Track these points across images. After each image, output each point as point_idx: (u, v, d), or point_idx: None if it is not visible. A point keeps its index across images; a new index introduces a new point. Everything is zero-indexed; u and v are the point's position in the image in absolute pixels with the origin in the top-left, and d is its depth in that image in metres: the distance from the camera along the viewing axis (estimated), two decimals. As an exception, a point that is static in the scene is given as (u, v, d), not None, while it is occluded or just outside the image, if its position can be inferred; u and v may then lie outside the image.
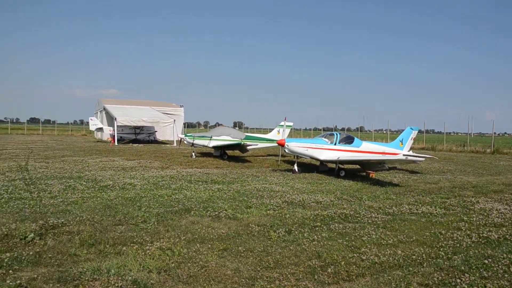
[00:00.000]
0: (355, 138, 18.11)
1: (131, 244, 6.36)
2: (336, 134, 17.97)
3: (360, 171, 17.90)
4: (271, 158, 24.17)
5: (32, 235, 6.62)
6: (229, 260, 5.84)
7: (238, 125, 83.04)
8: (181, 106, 49.46)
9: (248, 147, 23.13)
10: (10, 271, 5.17)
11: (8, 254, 5.73)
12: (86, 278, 5.01)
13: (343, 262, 5.86)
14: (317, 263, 5.83)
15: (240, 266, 5.61)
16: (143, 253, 5.97)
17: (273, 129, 28.21)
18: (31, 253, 5.85)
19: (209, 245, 6.46)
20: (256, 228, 7.57)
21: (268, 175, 15.79)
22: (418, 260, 6.02)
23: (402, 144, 19.26)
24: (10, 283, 4.78)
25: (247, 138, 24.27)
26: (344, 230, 7.67)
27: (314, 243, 6.80)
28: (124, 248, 6.19)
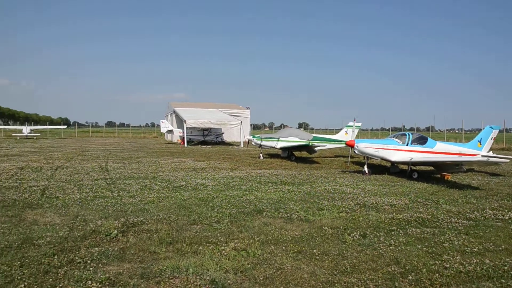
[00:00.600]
0: (429, 138, 17.27)
1: (207, 244, 6.49)
2: (408, 134, 17.24)
3: (434, 173, 17.00)
4: (339, 159, 23.73)
5: (115, 232, 7.01)
6: (305, 263, 5.77)
7: (303, 126, 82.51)
8: (247, 108, 50.18)
9: (316, 148, 22.87)
10: (100, 264, 5.51)
11: (96, 249, 6.13)
12: (167, 276, 5.19)
13: (424, 270, 5.55)
14: (396, 269, 5.57)
15: (316, 270, 5.51)
16: (218, 253, 6.07)
17: (339, 129, 27.67)
18: (116, 249, 6.19)
19: (283, 247, 6.43)
20: (330, 231, 7.42)
21: (338, 177, 15.50)
22: (511, 272, 5.53)
23: (480, 144, 17.99)
24: (101, 276, 5.09)
25: (315, 139, 23.99)
26: (422, 235, 7.29)
27: (391, 248, 6.53)
28: (200, 247, 6.33)
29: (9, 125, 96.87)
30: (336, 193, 11.54)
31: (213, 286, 4.93)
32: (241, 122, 39.09)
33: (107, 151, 28.73)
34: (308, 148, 22.44)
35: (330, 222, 8.11)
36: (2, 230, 7.07)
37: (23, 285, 4.77)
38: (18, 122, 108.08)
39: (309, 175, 15.90)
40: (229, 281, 5.07)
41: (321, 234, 7.23)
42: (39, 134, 55.92)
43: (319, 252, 6.22)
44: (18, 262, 5.50)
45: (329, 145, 24.61)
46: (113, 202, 9.76)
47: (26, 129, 51.55)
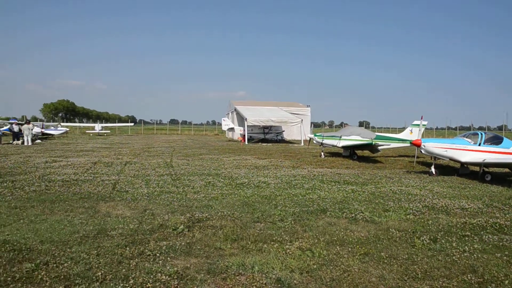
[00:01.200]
0: (504, 138, 16.04)
1: (271, 242, 6.47)
2: (481, 134, 16.14)
3: (510, 176, 15.82)
4: (403, 159, 22.80)
5: (182, 227, 7.21)
6: (372, 266, 5.57)
7: (364, 125, 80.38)
8: (307, 106, 49.76)
9: (380, 147, 22.16)
10: (168, 258, 5.69)
11: (164, 243, 6.33)
12: (232, 272, 5.23)
13: (506, 281, 5.12)
14: (473, 278, 5.20)
15: (385, 274, 5.30)
16: (283, 252, 6.03)
17: (402, 128, 26.64)
18: (183, 243, 6.35)
19: (349, 249, 6.26)
20: (397, 234, 7.13)
21: (403, 177, 14.90)
22: None
23: None
24: (170, 269, 5.24)
25: (378, 137, 23.27)
26: (500, 243, 6.76)
27: (465, 254, 6.12)
28: (265, 245, 6.32)
29: (83, 122, 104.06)
30: (402, 194, 11.09)
31: (279, 285, 4.90)
32: (302, 120, 38.87)
33: (171, 147, 29.78)
34: (371, 147, 21.79)
35: (397, 224, 7.80)
36: (80, 220, 7.58)
37: (100, 273, 5.04)
38: (91, 120, 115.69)
39: (373, 174, 15.43)
40: (295, 281, 5.01)
41: (388, 237, 6.96)
42: (109, 131, 59.50)
43: (387, 255, 5.99)
44: (95, 251, 5.83)
45: (393, 144, 23.78)
46: (178, 197, 10.06)
47: (98, 127, 55.14)
